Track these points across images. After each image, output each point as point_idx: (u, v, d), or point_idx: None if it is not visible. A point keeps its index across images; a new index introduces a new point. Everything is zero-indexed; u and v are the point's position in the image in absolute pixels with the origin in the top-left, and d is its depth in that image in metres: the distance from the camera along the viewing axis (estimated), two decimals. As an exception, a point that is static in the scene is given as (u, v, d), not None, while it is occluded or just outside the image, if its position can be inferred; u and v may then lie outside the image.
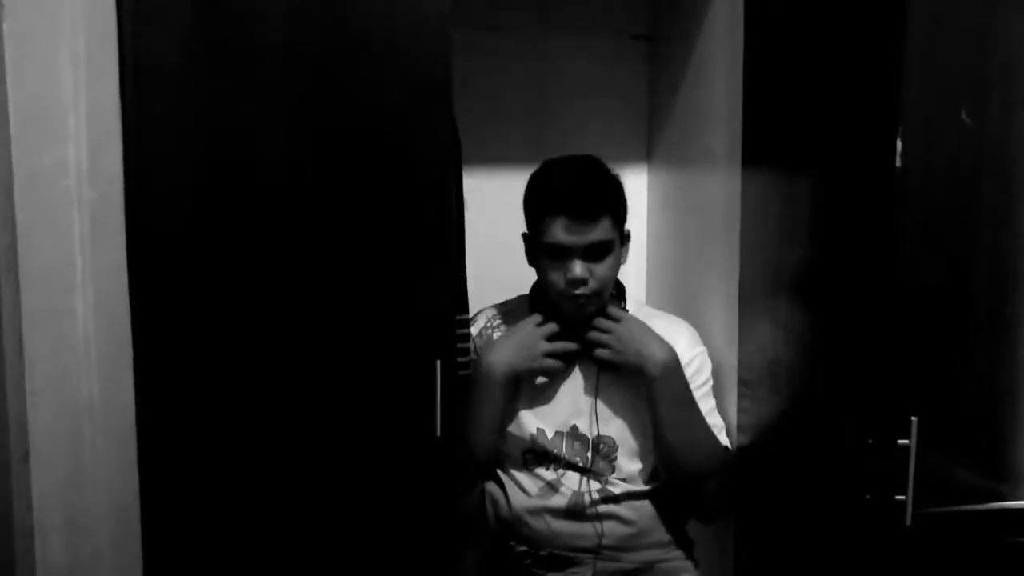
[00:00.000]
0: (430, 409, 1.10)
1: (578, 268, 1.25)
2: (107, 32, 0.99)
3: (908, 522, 0.93)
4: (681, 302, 1.56)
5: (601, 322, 1.30)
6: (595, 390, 1.32)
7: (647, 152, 1.78)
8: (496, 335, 1.38)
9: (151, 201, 1.04)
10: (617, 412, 1.33)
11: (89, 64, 0.94)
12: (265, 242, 1.08)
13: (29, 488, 0.82)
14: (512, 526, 1.35)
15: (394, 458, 1.12)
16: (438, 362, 1.10)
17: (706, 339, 1.40)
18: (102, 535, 0.98)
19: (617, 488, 1.34)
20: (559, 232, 1.25)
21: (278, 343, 1.09)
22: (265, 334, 1.09)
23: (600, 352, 1.29)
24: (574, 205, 1.25)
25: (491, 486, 1.39)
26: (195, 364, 1.08)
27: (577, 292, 1.27)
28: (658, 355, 1.27)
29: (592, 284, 1.27)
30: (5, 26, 0.77)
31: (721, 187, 1.43)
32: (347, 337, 1.10)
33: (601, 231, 1.25)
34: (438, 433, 1.10)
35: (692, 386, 1.33)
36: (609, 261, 1.28)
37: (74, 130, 0.92)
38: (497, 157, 1.70)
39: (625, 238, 1.33)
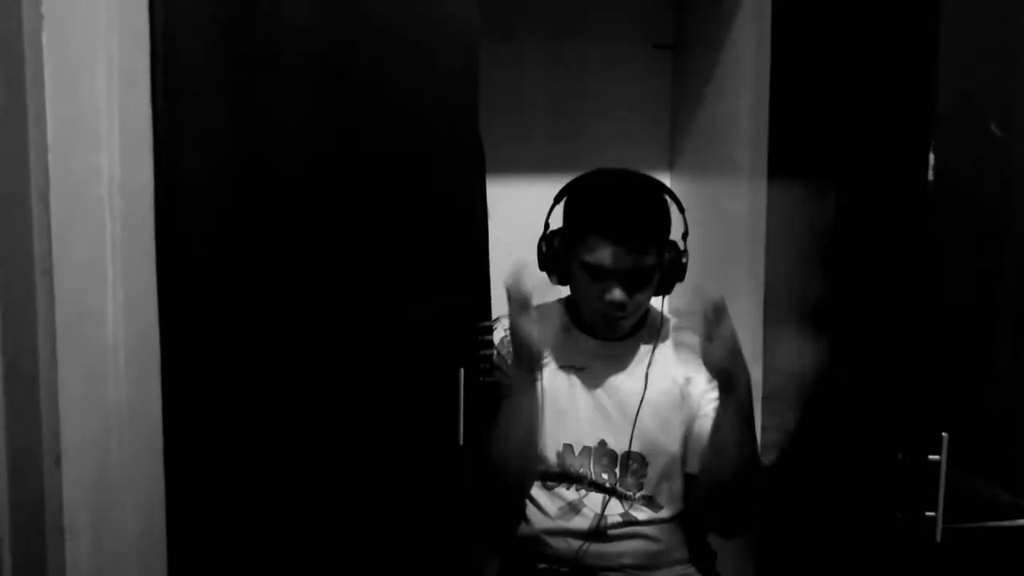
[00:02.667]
0: (453, 418, 1.10)
1: (618, 293, 1.24)
2: (139, 41, 1.01)
3: (938, 539, 0.92)
4: (704, 313, 1.55)
5: (719, 323, 1.16)
6: (638, 404, 1.29)
7: (670, 161, 1.78)
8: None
9: (180, 209, 1.06)
10: (649, 427, 1.31)
11: (122, 73, 0.95)
12: (291, 250, 1.09)
13: (60, 489, 0.84)
14: (533, 544, 1.34)
15: (417, 466, 1.12)
16: (461, 370, 1.10)
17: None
18: (128, 535, 0.99)
19: (641, 513, 1.31)
20: (603, 255, 1.22)
21: (303, 350, 1.10)
22: (290, 341, 1.10)
23: (719, 360, 1.17)
24: (623, 233, 1.22)
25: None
26: (221, 368, 1.09)
27: (614, 315, 1.26)
28: (747, 368, 1.21)
29: (630, 307, 1.26)
30: (45, 36, 0.79)
31: (746, 198, 1.42)
32: (371, 345, 1.11)
33: (645, 259, 1.23)
34: (461, 442, 1.11)
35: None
36: (649, 287, 1.27)
37: (107, 138, 0.94)
38: (520, 165, 1.70)
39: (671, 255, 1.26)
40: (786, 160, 1.29)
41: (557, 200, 1.31)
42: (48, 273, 0.81)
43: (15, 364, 0.78)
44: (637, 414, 1.30)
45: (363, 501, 1.13)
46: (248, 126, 1.07)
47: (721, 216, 1.52)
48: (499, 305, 1.46)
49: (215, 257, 1.08)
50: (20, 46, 0.76)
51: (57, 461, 0.82)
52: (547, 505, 1.33)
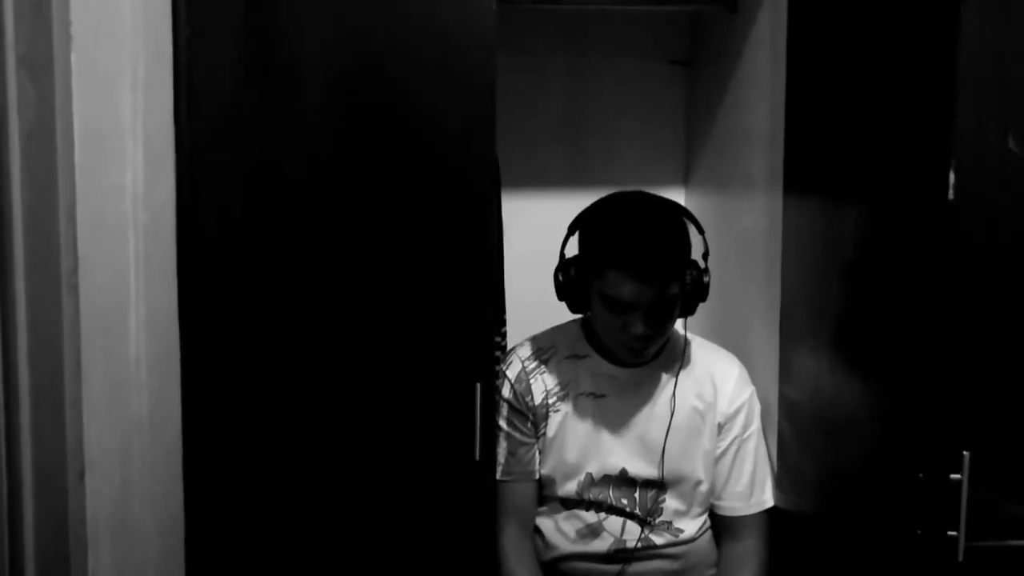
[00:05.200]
0: (469, 432, 1.11)
1: (641, 327, 1.21)
2: (162, 60, 1.03)
3: (960, 558, 0.91)
4: (720, 330, 1.55)
5: None
6: (661, 433, 1.28)
7: (685, 176, 1.78)
8: (538, 377, 1.32)
9: (200, 225, 1.08)
10: (671, 454, 1.29)
11: (147, 91, 0.97)
12: (310, 264, 1.10)
13: (84, 504, 0.84)
14: (551, 565, 1.33)
15: (433, 481, 1.13)
16: (478, 385, 1.11)
17: (746, 367, 1.37)
18: (148, 548, 1.00)
19: (661, 538, 1.31)
20: (624, 290, 1.19)
21: (321, 365, 1.11)
22: (308, 356, 1.11)
23: None
24: (644, 268, 1.19)
25: None
26: (239, 381, 1.10)
27: (638, 347, 1.24)
28: None
29: (655, 337, 1.24)
30: (74, 56, 0.81)
31: (762, 213, 1.42)
32: (388, 360, 1.11)
33: (668, 291, 1.21)
34: (477, 457, 1.11)
35: (744, 433, 1.30)
36: (673, 314, 1.24)
37: (131, 155, 0.95)
38: (535, 179, 1.71)
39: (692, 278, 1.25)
40: (802, 174, 1.29)
41: (571, 230, 1.28)
42: (74, 289, 0.82)
43: (41, 379, 0.79)
44: (664, 445, 1.28)
45: (380, 514, 1.13)
46: (268, 143, 1.09)
47: (737, 231, 1.52)
48: (513, 317, 1.47)
49: (235, 271, 1.09)
50: (51, 66, 0.77)
51: (81, 476, 0.83)
52: (565, 528, 1.32)
